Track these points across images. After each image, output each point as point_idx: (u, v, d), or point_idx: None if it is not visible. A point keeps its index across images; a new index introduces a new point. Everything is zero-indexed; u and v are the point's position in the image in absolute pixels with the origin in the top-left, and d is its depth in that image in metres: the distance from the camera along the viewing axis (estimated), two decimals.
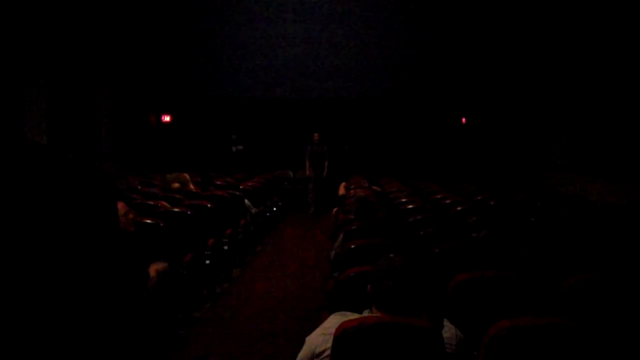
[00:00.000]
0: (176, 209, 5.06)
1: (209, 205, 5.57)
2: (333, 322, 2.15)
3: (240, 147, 13.13)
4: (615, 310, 2.63)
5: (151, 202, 5.45)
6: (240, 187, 7.90)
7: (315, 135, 11.21)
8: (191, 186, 6.93)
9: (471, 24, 12.67)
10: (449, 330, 2.17)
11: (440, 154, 12.90)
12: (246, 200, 7.30)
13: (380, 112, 13.13)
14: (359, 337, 2.01)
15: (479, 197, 7.43)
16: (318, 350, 2.14)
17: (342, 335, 2.01)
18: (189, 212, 4.98)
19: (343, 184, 7.74)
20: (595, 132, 9.26)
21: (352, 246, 3.55)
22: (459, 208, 5.98)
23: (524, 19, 11.54)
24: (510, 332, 2.05)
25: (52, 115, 9.05)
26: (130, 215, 3.61)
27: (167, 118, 13.24)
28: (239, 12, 13.17)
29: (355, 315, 2.19)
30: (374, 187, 7.65)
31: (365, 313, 2.20)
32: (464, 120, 13.14)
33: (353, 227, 4.23)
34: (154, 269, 3.62)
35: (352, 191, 6.71)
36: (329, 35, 13.13)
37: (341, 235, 4.22)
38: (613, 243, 4.22)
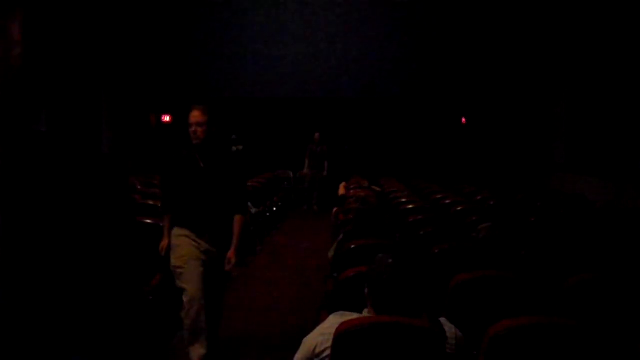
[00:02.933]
0: None
1: None
2: (332, 322, 2.15)
3: (240, 147, 13.11)
4: (616, 310, 2.63)
5: (151, 202, 5.45)
6: None
7: (316, 135, 11.36)
8: None
9: (471, 24, 12.66)
10: (448, 330, 2.17)
11: (440, 154, 12.89)
12: None
13: (381, 112, 13.12)
14: (358, 337, 2.01)
15: (479, 197, 7.44)
16: (317, 350, 2.13)
17: (342, 335, 2.01)
18: None
19: (343, 184, 7.72)
20: (595, 132, 9.25)
21: (352, 246, 3.55)
22: (459, 208, 5.98)
23: (524, 19, 11.53)
24: (510, 332, 2.05)
25: (52, 115, 9.04)
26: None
27: (167, 118, 13.24)
28: (238, 12, 13.16)
29: (354, 315, 2.18)
30: (374, 187, 7.63)
31: (365, 313, 2.19)
32: (464, 120, 13.13)
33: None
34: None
35: (352, 191, 6.70)
36: (329, 35, 13.12)
37: (341, 235, 4.21)
38: (613, 243, 4.23)
